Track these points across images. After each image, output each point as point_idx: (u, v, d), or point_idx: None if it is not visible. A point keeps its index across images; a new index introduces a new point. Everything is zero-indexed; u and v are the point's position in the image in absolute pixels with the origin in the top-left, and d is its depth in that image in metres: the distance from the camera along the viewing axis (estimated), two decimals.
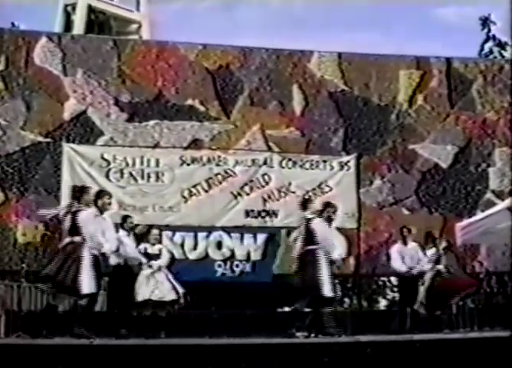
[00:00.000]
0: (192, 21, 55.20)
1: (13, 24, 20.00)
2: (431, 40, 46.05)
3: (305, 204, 9.75)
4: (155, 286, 10.67)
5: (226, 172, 13.28)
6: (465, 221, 12.26)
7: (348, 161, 13.70)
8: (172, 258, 11.34)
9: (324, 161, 13.62)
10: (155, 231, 11.32)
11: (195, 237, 12.92)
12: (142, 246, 10.91)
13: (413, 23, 64.85)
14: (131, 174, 12.99)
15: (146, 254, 10.80)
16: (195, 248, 12.88)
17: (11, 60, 12.83)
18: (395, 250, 11.37)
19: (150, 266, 10.74)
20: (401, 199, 13.74)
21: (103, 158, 12.92)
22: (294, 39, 36.03)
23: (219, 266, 12.92)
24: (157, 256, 10.91)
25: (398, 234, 11.66)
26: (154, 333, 9.84)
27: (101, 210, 9.01)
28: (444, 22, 61.37)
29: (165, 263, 11.00)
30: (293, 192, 13.35)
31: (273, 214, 13.28)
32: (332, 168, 13.63)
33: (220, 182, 13.24)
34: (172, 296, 10.83)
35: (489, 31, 23.91)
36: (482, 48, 23.70)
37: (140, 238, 11.06)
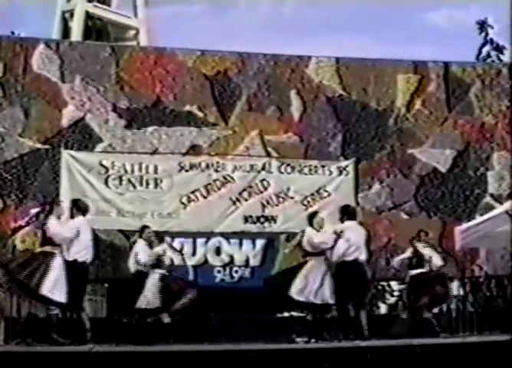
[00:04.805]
0: (183, 26, 55.25)
1: (13, 32, 20.04)
2: (421, 44, 45.96)
3: None
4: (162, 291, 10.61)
5: (225, 178, 13.27)
6: (464, 225, 12.30)
7: (346, 166, 13.68)
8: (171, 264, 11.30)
9: (323, 166, 13.60)
10: (168, 238, 11.35)
11: (194, 243, 12.90)
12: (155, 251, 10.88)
13: (403, 27, 64.99)
14: (130, 180, 12.97)
15: (158, 260, 10.76)
16: (193, 254, 12.86)
17: (9, 67, 12.81)
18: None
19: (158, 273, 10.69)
20: (400, 204, 13.72)
21: (101, 164, 12.91)
22: (284, 43, 36.13)
23: (218, 272, 12.91)
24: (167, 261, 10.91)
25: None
26: (153, 340, 9.80)
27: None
28: (435, 27, 61.41)
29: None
30: (292, 198, 13.36)
31: (272, 219, 13.27)
32: (330, 173, 13.62)
33: (219, 188, 13.22)
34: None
35: (486, 34, 23.84)
36: (480, 52, 23.64)
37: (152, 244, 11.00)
